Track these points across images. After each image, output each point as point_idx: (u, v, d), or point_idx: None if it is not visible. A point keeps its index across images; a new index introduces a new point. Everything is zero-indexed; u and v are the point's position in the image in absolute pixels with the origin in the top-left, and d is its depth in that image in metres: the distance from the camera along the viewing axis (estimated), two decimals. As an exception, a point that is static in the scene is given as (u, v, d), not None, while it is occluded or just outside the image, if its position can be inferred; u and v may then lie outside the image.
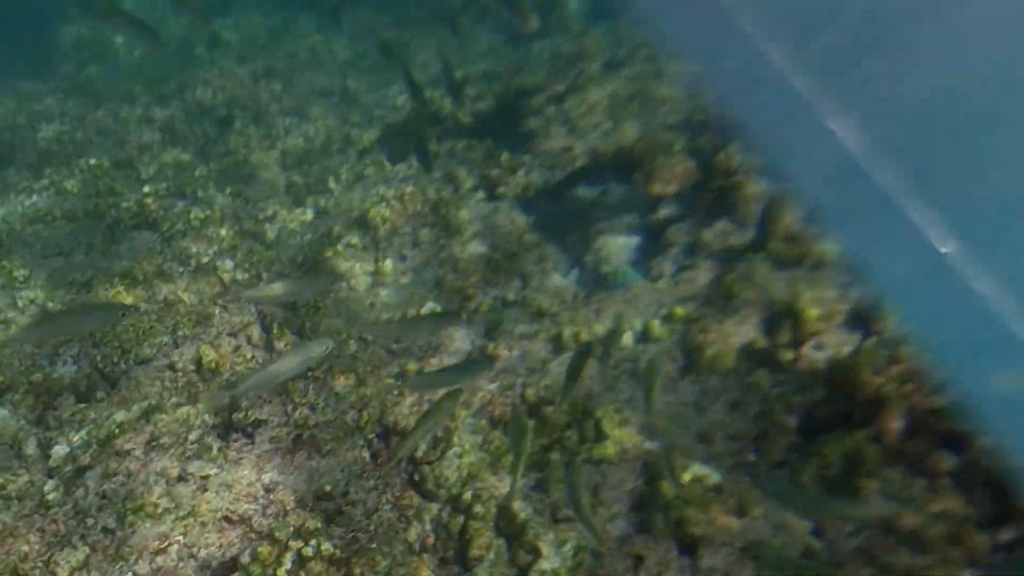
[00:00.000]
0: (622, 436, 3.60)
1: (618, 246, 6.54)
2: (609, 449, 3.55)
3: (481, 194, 6.53)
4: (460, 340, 4.35)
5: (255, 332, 4.29)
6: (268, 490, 3.20)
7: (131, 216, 5.49)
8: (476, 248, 5.69)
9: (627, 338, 4.43)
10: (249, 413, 3.34)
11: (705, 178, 6.84)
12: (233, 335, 4.34)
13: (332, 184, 6.67)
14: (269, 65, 10.62)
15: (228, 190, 6.36)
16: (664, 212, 6.86)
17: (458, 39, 12.21)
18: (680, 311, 4.60)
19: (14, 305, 4.58)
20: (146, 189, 6.14)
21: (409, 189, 6.09)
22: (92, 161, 6.76)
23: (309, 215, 6.09)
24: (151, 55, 11.35)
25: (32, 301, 4.65)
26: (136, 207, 5.57)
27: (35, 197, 5.99)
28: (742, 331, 4.30)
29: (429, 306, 4.53)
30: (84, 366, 3.92)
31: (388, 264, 5.36)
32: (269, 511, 3.10)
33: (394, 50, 10.10)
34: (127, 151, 7.55)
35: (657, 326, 4.52)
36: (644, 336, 4.57)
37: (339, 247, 5.38)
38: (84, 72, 10.19)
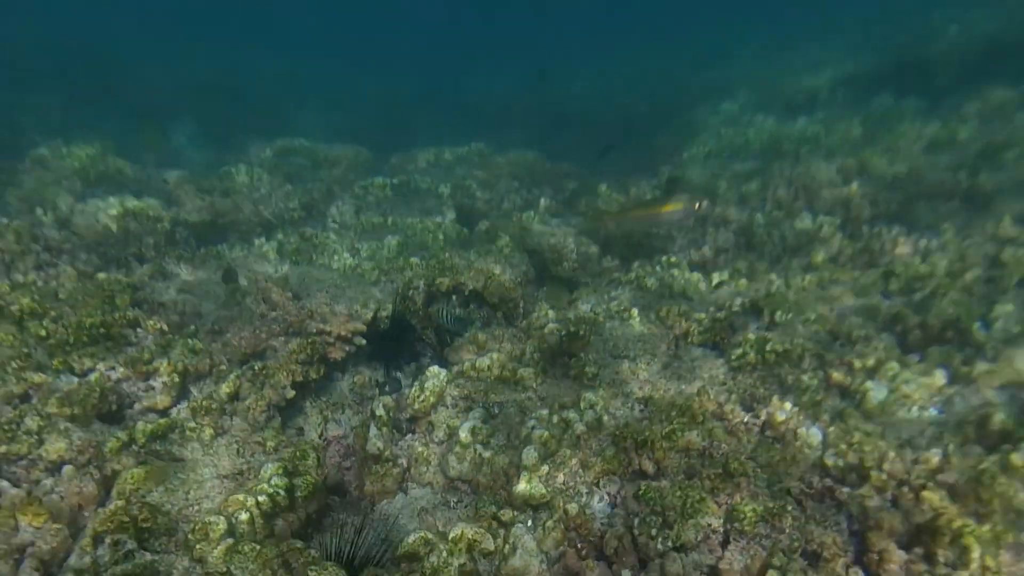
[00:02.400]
0: None
1: None
2: None
3: None
4: None
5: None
6: None
7: (700, 332, 4.80)
8: None
9: None
10: None
11: None
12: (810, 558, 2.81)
13: (978, 334, 4.33)
14: (863, 163, 8.91)
15: (811, 316, 4.96)
16: None
17: None
18: None
19: (576, 407, 4.45)
20: (715, 304, 5.45)
21: None
22: (673, 259, 6.68)
23: (939, 379, 3.97)
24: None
25: (592, 405, 4.44)
26: (708, 322, 4.85)
27: (619, 290, 6.19)
28: None
29: None
30: (619, 524, 3.19)
31: None
32: None
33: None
34: (701, 252, 7.30)
35: None
36: None
37: (1014, 456, 3.10)
38: (678, 169, 11.04)
